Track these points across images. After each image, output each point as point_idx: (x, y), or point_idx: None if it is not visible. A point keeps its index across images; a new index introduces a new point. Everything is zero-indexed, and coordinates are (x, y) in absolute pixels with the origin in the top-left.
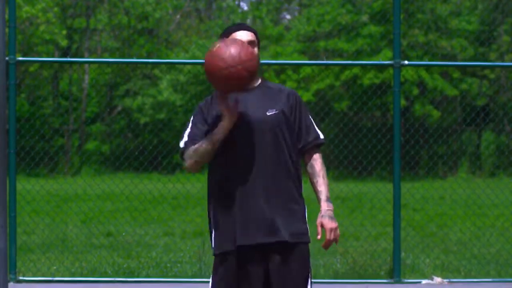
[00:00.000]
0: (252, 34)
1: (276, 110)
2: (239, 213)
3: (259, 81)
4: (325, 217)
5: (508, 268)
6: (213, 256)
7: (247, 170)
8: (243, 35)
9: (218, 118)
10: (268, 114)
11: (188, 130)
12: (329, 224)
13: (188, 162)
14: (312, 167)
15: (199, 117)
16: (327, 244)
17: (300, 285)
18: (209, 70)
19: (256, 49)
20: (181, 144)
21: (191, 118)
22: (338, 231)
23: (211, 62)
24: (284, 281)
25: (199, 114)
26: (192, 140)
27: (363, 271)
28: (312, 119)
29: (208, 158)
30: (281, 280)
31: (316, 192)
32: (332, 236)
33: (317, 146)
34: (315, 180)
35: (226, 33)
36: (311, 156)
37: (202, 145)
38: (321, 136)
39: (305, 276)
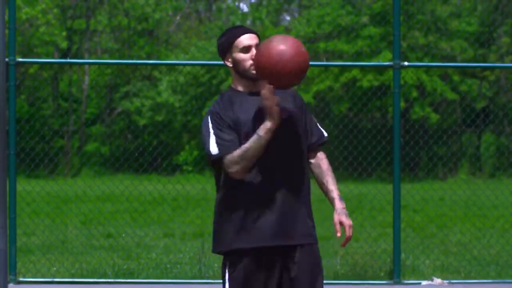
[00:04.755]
0: (256, 36)
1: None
2: (257, 214)
3: None
4: (342, 214)
5: (508, 269)
6: (222, 255)
7: (268, 169)
8: (250, 39)
9: (238, 120)
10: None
11: (214, 137)
12: (348, 221)
13: (234, 168)
14: (319, 166)
15: (221, 122)
16: (347, 241)
17: (318, 286)
18: (273, 58)
19: None
20: (214, 151)
21: (210, 124)
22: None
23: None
24: (302, 283)
25: (219, 119)
26: (226, 145)
27: (363, 272)
28: (314, 118)
29: (255, 161)
30: (298, 283)
31: (327, 191)
32: (351, 233)
33: (321, 145)
34: (324, 180)
35: (230, 37)
36: (316, 155)
37: (249, 149)
38: (325, 134)
39: (321, 276)
